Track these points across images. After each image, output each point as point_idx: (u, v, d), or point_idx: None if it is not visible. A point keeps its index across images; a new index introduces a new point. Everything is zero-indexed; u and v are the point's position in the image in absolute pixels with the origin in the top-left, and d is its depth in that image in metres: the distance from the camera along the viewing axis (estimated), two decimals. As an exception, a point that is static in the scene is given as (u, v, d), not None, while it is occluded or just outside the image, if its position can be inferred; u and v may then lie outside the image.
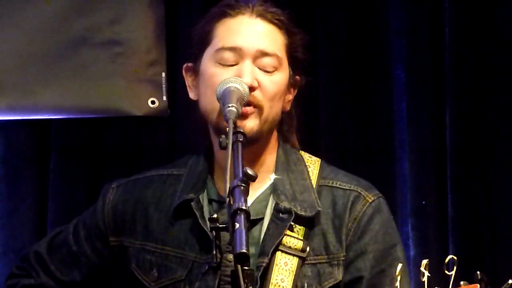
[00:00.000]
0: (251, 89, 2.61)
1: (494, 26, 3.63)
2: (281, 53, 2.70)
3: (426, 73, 3.66)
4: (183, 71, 2.78)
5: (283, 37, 2.72)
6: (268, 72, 2.66)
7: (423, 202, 3.61)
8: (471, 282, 1.91)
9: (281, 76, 2.69)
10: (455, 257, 1.92)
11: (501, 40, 3.62)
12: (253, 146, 2.62)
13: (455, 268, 1.90)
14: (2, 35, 3.63)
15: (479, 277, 1.90)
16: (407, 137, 3.65)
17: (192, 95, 2.76)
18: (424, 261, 1.94)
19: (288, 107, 2.77)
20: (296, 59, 2.75)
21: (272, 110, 2.67)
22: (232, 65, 2.65)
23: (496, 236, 3.58)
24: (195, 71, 2.74)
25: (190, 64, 2.77)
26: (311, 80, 2.81)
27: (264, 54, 2.66)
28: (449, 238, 3.58)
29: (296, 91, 2.78)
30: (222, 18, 2.71)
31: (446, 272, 1.91)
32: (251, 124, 2.61)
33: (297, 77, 2.77)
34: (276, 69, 2.68)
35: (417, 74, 3.66)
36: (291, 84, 2.75)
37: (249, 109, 2.61)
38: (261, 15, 2.70)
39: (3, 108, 3.62)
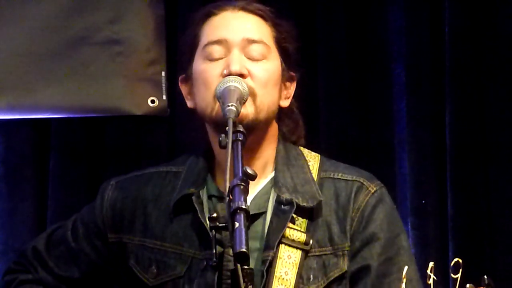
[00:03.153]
0: (241, 76, 2.62)
1: (494, 26, 3.63)
2: (269, 41, 2.71)
3: (426, 73, 3.66)
4: (179, 84, 2.80)
5: (270, 28, 2.73)
6: (257, 60, 2.67)
7: (423, 202, 3.62)
8: (477, 285, 1.91)
9: (272, 64, 2.70)
10: (460, 260, 1.92)
11: (501, 40, 3.62)
12: (251, 137, 2.59)
13: (460, 271, 1.90)
14: (2, 34, 3.62)
15: (486, 281, 1.90)
16: (407, 137, 3.65)
17: (189, 104, 2.77)
18: (431, 264, 1.93)
19: (286, 104, 2.77)
20: (287, 50, 2.75)
21: (267, 97, 2.66)
22: (221, 58, 2.67)
23: (496, 236, 3.58)
24: (189, 79, 2.75)
25: (183, 75, 2.78)
26: (304, 73, 2.81)
27: (250, 41, 2.68)
28: (449, 238, 3.58)
29: (293, 87, 2.78)
30: (207, 19, 2.74)
31: (452, 275, 1.91)
32: (246, 111, 2.61)
33: (292, 73, 2.77)
34: (265, 57, 2.68)
35: (417, 74, 3.66)
36: (285, 78, 2.75)
37: None
38: (243, 8, 2.73)
39: (3, 108, 3.62)
